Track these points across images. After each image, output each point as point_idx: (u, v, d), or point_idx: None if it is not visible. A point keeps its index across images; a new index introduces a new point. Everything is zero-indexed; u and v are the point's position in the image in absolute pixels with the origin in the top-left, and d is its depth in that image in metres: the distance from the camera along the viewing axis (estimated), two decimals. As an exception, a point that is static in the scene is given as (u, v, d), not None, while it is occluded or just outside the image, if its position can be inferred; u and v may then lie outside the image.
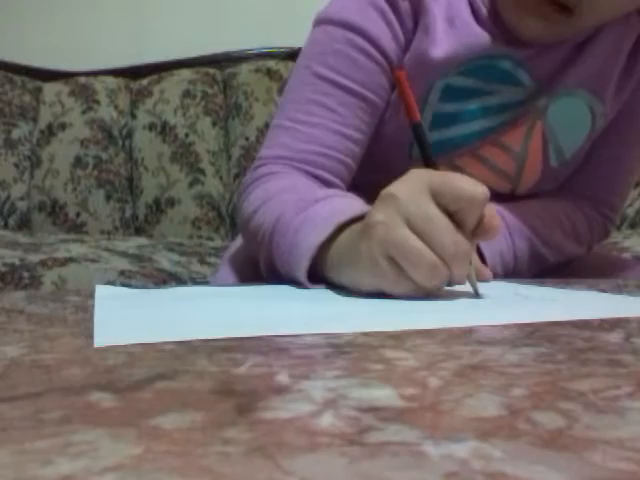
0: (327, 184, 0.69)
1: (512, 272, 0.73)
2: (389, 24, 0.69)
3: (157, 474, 0.14)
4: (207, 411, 0.19)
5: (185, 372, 0.24)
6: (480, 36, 0.69)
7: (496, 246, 0.72)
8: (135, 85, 1.75)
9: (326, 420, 0.18)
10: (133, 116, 1.70)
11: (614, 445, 0.16)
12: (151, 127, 1.67)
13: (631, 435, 0.17)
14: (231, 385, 0.22)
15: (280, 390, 0.21)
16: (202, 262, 1.25)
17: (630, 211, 1.76)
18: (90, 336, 0.32)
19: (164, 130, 1.66)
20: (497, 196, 0.76)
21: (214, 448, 0.16)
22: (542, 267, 0.77)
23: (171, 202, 1.61)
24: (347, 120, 0.69)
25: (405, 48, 0.70)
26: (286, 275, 0.56)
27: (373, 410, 0.19)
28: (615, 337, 0.31)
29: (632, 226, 1.74)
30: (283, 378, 0.23)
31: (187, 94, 1.70)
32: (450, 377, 0.23)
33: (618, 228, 1.75)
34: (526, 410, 0.19)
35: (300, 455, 0.15)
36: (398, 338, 0.31)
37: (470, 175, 0.49)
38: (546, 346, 0.29)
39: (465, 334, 0.32)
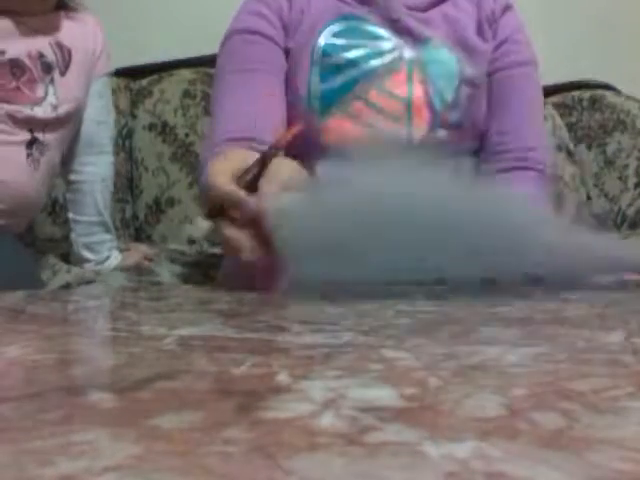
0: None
1: None
2: (264, 17, 0.92)
3: (157, 474, 0.14)
4: (207, 411, 0.19)
5: (185, 372, 0.24)
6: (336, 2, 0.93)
7: None
8: (135, 85, 1.75)
9: (326, 420, 0.18)
10: (133, 116, 1.70)
11: (614, 445, 0.16)
12: (151, 127, 1.67)
13: (631, 435, 0.17)
14: (231, 385, 0.22)
15: (280, 390, 0.21)
16: (205, 275, 1.25)
17: (630, 211, 1.76)
18: (90, 336, 0.32)
19: (164, 130, 1.66)
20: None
21: (214, 448, 0.16)
22: None
23: (171, 202, 1.61)
24: (263, 92, 0.89)
25: (293, 26, 0.93)
26: None
27: (373, 410, 0.19)
28: (615, 337, 0.31)
29: (632, 226, 1.74)
30: (283, 378, 0.23)
31: (187, 94, 1.70)
32: (450, 377, 0.23)
33: (618, 228, 1.75)
34: (526, 410, 0.19)
35: (300, 455, 0.15)
36: (398, 338, 0.31)
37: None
38: (546, 346, 0.29)
39: (465, 334, 0.32)
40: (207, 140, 0.91)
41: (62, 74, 1.12)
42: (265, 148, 0.79)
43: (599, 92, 1.86)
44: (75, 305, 0.53)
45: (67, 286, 1.11)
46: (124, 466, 0.15)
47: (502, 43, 0.97)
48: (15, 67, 1.07)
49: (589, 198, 1.78)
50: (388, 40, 0.93)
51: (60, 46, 1.13)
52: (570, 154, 1.76)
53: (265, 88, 0.90)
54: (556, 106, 1.83)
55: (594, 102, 1.84)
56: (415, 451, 0.15)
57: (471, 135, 0.95)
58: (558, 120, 1.79)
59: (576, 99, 1.86)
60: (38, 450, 0.16)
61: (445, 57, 0.92)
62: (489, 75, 0.96)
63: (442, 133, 0.92)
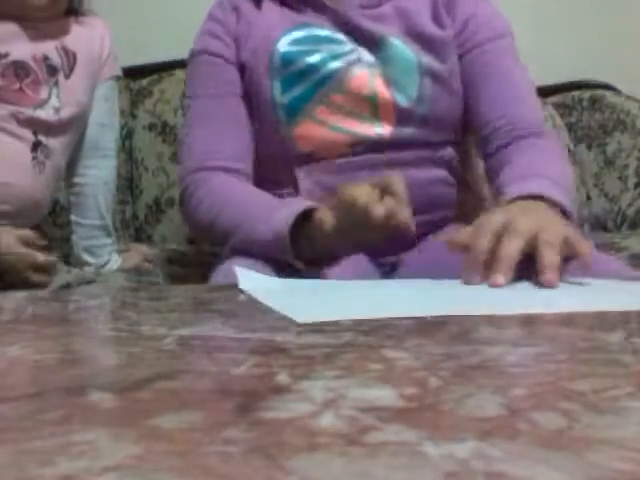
0: (237, 172, 0.90)
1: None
2: (217, 37, 0.96)
3: (157, 474, 0.14)
4: (207, 411, 0.19)
5: (185, 372, 0.24)
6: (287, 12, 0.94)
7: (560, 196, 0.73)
8: (135, 85, 1.75)
9: (326, 420, 0.18)
10: (133, 116, 1.70)
11: (614, 445, 0.16)
12: (151, 127, 1.67)
13: (631, 435, 0.17)
14: (231, 385, 0.22)
15: (280, 390, 0.21)
16: (203, 276, 1.25)
17: (630, 211, 1.76)
18: (90, 336, 0.32)
19: (164, 130, 1.66)
20: (375, 144, 0.89)
21: (214, 448, 0.16)
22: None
23: (171, 202, 1.61)
24: (230, 118, 0.93)
25: (244, 37, 0.94)
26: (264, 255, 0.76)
27: (373, 410, 0.19)
28: (615, 337, 0.31)
29: (632, 226, 1.74)
30: (283, 378, 0.23)
31: (187, 94, 1.70)
32: (450, 377, 0.23)
33: (618, 228, 1.75)
34: (526, 410, 0.19)
35: (300, 455, 0.15)
36: (398, 338, 0.31)
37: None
38: (546, 346, 0.29)
39: (465, 334, 0.32)
40: (182, 165, 0.94)
41: (67, 77, 1.13)
42: (236, 170, 0.89)
43: (599, 92, 1.86)
44: (75, 305, 0.53)
45: (67, 286, 1.11)
46: (124, 466, 0.15)
47: (466, 23, 0.94)
48: (19, 69, 1.08)
49: (589, 198, 1.78)
50: (344, 43, 0.92)
51: (65, 50, 1.14)
52: (570, 154, 1.76)
53: (230, 112, 0.93)
54: (556, 106, 1.82)
55: (594, 102, 1.84)
56: (415, 451, 0.15)
57: (443, 127, 0.92)
58: (558, 120, 1.79)
59: (576, 99, 1.85)
60: (38, 450, 0.16)
61: (403, 53, 0.91)
62: (461, 57, 0.93)
63: (410, 129, 0.90)
